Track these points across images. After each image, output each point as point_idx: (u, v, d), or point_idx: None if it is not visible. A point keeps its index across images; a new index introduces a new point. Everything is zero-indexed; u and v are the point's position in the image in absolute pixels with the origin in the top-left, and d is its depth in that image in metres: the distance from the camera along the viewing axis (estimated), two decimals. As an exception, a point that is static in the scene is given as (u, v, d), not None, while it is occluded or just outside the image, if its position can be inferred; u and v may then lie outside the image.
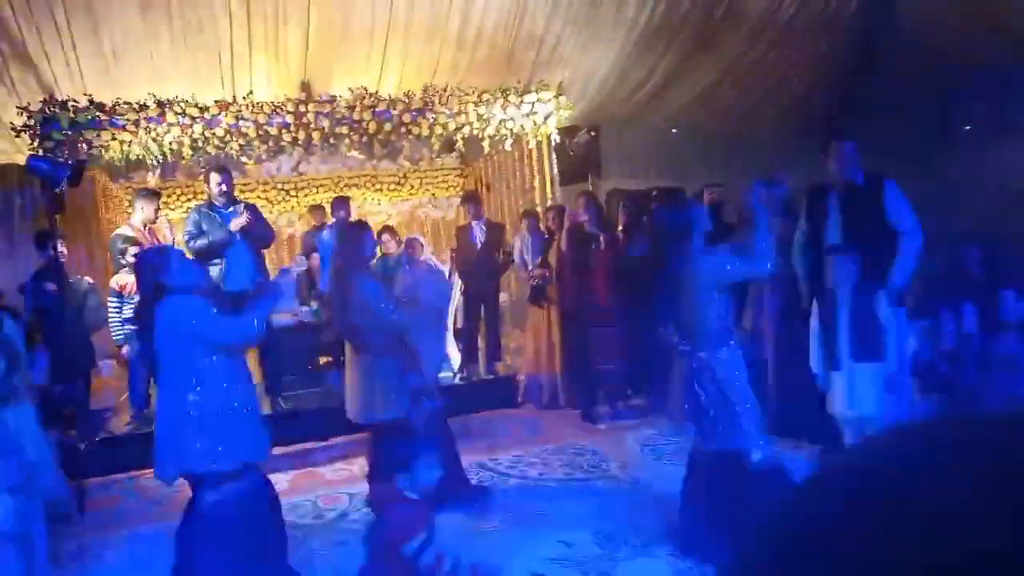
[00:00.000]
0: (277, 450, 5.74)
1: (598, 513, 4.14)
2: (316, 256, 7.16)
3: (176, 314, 3.19)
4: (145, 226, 6.13)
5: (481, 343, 7.33)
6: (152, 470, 3.32)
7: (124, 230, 6.11)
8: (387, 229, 7.06)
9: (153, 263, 3.31)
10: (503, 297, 7.77)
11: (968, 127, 8.69)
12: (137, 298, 5.69)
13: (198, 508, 3.26)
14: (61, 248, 5.76)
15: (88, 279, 6.05)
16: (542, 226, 6.84)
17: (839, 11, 8.14)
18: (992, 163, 8.15)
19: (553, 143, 7.67)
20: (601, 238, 5.98)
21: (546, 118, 7.63)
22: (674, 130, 10.08)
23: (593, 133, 7.32)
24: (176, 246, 5.93)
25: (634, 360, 6.06)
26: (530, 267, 6.67)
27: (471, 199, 7.40)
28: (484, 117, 7.41)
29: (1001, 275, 5.18)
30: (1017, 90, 7.84)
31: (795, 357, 4.54)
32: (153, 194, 6.26)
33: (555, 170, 7.65)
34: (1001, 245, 6.55)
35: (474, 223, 7.10)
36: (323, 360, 7.36)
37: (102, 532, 4.46)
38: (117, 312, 5.77)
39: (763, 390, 5.01)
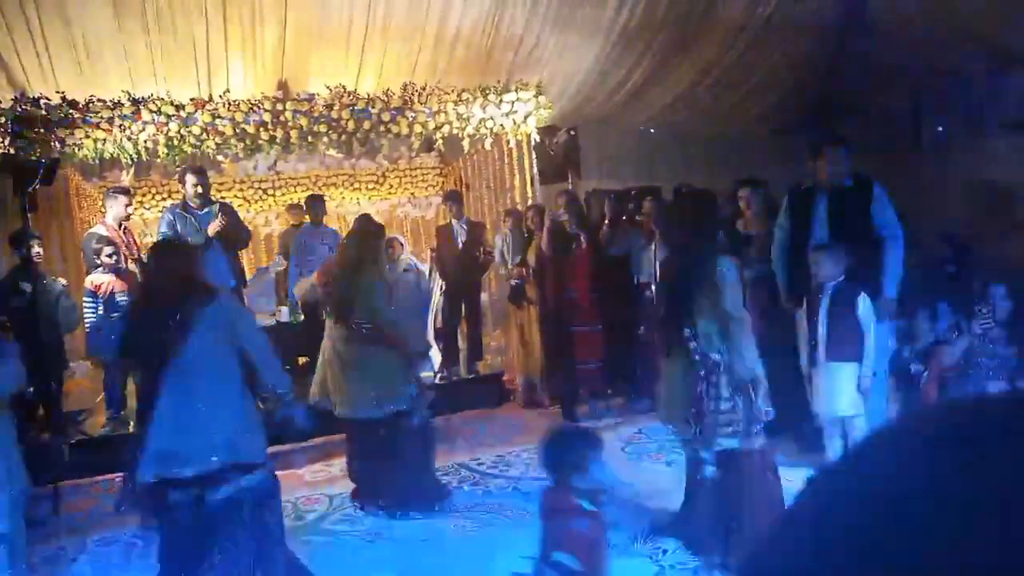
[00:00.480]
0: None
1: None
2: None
3: (230, 316, 3.23)
4: (120, 225, 6.05)
5: (462, 343, 7.32)
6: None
7: (98, 229, 6.02)
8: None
9: (190, 261, 3.30)
10: (484, 297, 7.76)
11: (940, 128, 8.83)
12: (124, 297, 5.64)
13: (207, 508, 3.22)
14: (37, 248, 5.68)
15: (62, 280, 5.95)
16: (523, 225, 6.84)
17: (816, 13, 8.22)
18: (963, 164, 8.29)
19: (533, 142, 7.67)
20: (581, 237, 6.00)
21: (526, 117, 7.63)
22: (651, 130, 10.13)
23: (573, 132, 7.33)
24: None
25: (615, 359, 6.09)
26: (510, 266, 6.67)
27: (452, 198, 7.38)
28: (464, 116, 7.40)
29: (975, 274, 5.26)
30: (988, 93, 7.98)
31: (779, 356, 4.59)
32: (122, 191, 6.14)
33: (535, 169, 7.65)
34: (972, 244, 6.68)
35: (455, 222, 7.08)
36: (301, 360, 7.31)
37: (78, 535, 4.40)
38: (93, 312, 5.68)
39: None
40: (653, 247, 5.77)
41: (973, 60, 7.73)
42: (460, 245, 6.96)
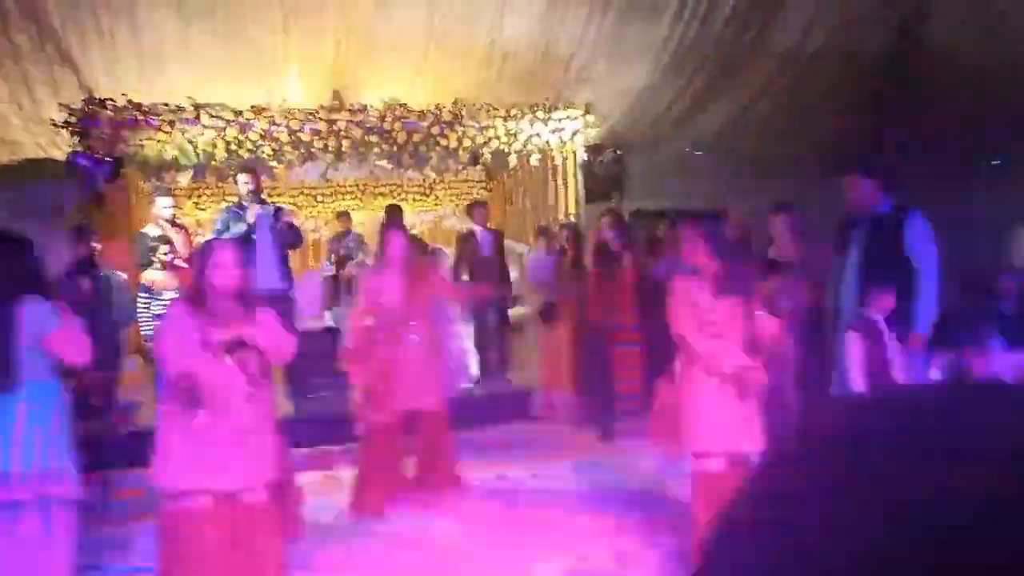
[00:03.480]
0: (301, 451, 5.82)
1: (615, 529, 4.17)
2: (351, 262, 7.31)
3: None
4: (172, 224, 6.25)
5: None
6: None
7: (151, 229, 6.22)
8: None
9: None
10: (524, 310, 7.81)
11: (996, 161, 8.69)
12: (175, 294, 5.82)
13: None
14: (96, 244, 5.90)
15: (121, 274, 6.16)
16: (556, 244, 6.89)
17: (871, 39, 8.18)
18: (1018, 197, 8.14)
19: (579, 160, 7.74)
20: (625, 256, 6.04)
21: (573, 135, 7.71)
22: (698, 152, 10.12)
23: (619, 152, 7.39)
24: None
25: (656, 379, 6.08)
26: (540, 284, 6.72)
27: (478, 206, 7.48)
28: (512, 132, 7.50)
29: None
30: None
31: (817, 386, 4.57)
32: (166, 193, 6.36)
33: (580, 187, 7.72)
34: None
35: (478, 230, 7.14)
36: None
37: (128, 522, 4.54)
38: (146, 308, 5.87)
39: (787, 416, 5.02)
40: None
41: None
42: (487, 254, 7.02)
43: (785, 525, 0.40)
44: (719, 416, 3.44)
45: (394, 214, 7.36)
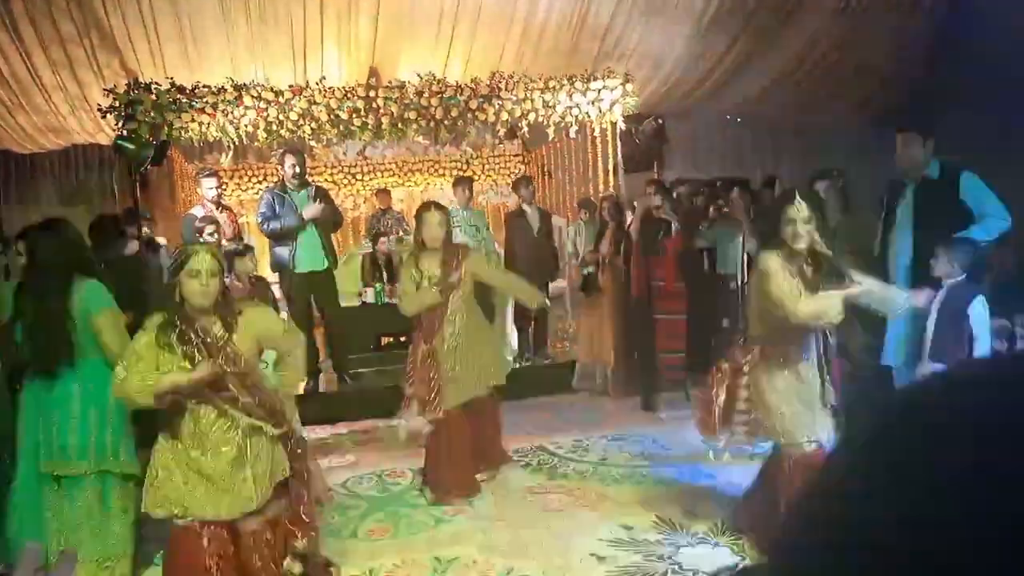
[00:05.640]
0: (343, 426, 5.94)
1: (658, 499, 4.17)
2: (382, 240, 7.34)
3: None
4: (217, 205, 6.36)
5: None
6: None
7: (196, 210, 6.33)
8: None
9: None
10: (562, 284, 7.79)
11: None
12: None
13: None
14: (144, 227, 6.03)
15: (162, 240, 6.30)
16: (597, 215, 6.85)
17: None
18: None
19: (618, 131, 7.64)
20: (672, 225, 5.97)
21: (612, 105, 7.59)
22: (739, 119, 9.93)
23: (660, 121, 7.27)
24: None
25: (698, 349, 6.03)
26: (582, 256, 6.69)
27: (525, 182, 7.43)
28: (549, 104, 7.42)
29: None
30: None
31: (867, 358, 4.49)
32: (211, 174, 6.49)
33: (619, 157, 7.63)
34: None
35: (527, 207, 7.12)
36: (384, 340, 7.53)
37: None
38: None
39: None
40: (740, 239, 5.69)
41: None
42: (535, 232, 7.01)
43: (863, 509, 0.40)
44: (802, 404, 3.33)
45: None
